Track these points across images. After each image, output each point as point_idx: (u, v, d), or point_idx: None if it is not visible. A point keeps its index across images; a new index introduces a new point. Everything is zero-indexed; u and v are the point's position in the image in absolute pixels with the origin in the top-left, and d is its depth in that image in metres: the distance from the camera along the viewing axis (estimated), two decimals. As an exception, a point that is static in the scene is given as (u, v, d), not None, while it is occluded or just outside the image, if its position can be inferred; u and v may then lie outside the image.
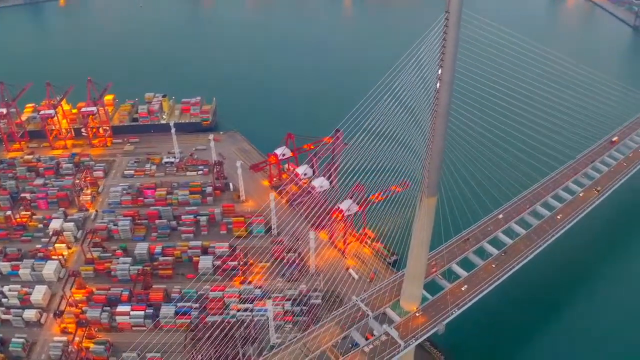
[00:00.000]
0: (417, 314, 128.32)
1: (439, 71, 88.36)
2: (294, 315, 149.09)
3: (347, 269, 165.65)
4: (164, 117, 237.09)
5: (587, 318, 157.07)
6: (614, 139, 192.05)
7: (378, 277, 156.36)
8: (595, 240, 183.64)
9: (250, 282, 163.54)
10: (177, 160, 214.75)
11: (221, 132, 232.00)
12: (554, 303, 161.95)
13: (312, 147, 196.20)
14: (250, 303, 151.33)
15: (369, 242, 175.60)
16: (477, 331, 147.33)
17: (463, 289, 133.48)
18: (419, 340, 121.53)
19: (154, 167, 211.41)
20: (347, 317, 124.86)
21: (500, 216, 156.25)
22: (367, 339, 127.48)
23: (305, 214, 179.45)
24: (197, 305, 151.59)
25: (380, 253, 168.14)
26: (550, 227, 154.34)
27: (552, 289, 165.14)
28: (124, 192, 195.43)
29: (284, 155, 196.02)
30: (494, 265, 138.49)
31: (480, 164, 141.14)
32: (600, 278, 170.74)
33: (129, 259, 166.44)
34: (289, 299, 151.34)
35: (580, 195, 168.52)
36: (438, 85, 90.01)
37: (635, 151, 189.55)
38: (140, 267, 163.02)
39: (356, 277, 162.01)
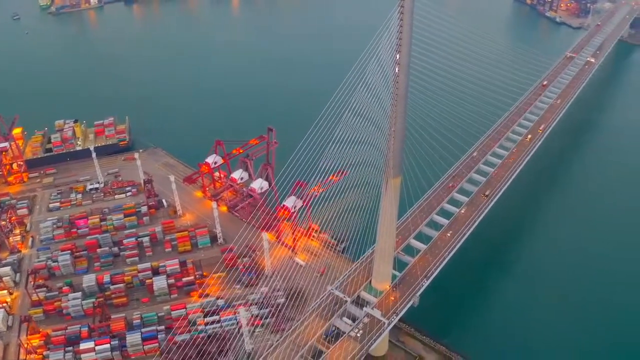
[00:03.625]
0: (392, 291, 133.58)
1: (397, 56, 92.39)
2: (262, 319, 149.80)
3: (292, 258, 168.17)
4: (79, 143, 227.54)
5: (534, 266, 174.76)
6: (544, 83, 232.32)
7: (330, 268, 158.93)
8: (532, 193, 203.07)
9: (208, 295, 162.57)
10: (102, 185, 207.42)
11: (141, 150, 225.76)
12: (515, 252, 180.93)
13: (241, 150, 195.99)
14: (215, 315, 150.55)
15: (315, 234, 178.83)
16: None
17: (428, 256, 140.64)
18: (400, 315, 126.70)
19: (79, 196, 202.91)
20: (325, 307, 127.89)
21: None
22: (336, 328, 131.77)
23: (250, 217, 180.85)
24: (162, 327, 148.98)
25: (328, 243, 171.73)
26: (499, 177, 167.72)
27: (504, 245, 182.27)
28: (55, 226, 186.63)
29: (215, 163, 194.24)
30: (448, 234, 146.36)
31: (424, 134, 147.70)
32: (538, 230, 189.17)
33: (78, 294, 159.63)
34: (254, 304, 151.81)
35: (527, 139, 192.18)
36: (397, 69, 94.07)
37: (563, 91, 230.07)
38: (93, 300, 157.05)
39: (303, 264, 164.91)
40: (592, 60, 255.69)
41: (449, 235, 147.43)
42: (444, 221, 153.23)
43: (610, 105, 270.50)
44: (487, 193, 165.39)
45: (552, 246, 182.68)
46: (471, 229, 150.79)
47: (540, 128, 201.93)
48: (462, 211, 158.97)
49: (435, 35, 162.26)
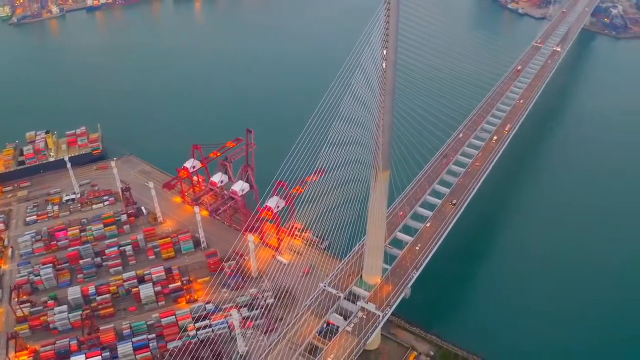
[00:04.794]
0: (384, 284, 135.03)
1: (384, 52, 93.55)
2: (253, 320, 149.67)
3: (274, 257, 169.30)
4: (52, 154, 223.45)
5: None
6: (518, 67, 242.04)
7: (314, 267, 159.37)
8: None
9: (196, 300, 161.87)
10: (79, 195, 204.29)
11: (115, 159, 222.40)
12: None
13: (218, 154, 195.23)
14: (206, 319, 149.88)
15: (298, 233, 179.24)
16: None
17: (417, 247, 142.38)
18: (393, 307, 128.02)
19: (56, 207, 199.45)
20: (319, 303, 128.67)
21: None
22: (328, 324, 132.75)
23: (231, 220, 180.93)
24: (153, 335, 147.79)
25: (312, 241, 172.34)
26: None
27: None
28: (34, 239, 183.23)
29: (194, 167, 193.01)
30: (428, 225, 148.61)
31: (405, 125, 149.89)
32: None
33: (64, 307, 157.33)
34: (244, 306, 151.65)
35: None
36: (384, 64, 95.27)
37: (537, 73, 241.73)
38: (80, 313, 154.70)
39: (286, 262, 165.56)
40: (558, 49, 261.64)
41: (428, 225, 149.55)
42: (428, 213, 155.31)
43: (575, 93, 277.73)
44: (454, 202, 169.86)
45: (534, 232, 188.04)
46: (454, 220, 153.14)
47: (506, 128, 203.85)
48: (444, 204, 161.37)
49: (405, 30, 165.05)
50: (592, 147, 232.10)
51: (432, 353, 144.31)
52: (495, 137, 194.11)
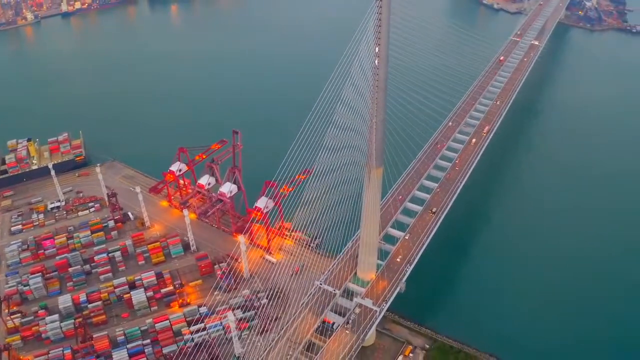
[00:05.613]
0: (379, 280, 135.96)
1: (376, 49, 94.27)
2: (248, 321, 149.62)
3: (262, 256, 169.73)
4: (34, 162, 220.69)
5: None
6: (501, 58, 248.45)
7: (304, 266, 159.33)
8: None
9: (189, 303, 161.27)
10: (64, 203, 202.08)
11: (98, 165, 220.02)
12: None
13: (204, 156, 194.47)
14: (200, 322, 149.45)
15: (288, 233, 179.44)
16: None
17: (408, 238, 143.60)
18: (390, 302, 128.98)
19: (41, 216, 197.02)
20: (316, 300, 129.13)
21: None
22: (324, 321, 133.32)
23: (220, 222, 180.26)
24: (147, 340, 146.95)
25: (302, 240, 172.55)
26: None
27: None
28: (21, 249, 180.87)
29: (180, 170, 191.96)
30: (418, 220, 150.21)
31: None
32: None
33: (55, 316, 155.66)
34: (238, 308, 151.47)
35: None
36: (377, 61, 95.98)
37: (520, 62, 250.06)
38: (72, 321, 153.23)
39: (274, 261, 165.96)
40: (536, 42, 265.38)
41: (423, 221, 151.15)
42: (417, 208, 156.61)
43: (551, 85, 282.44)
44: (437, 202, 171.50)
45: (523, 225, 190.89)
46: (444, 214, 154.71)
47: (485, 130, 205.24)
48: (434, 196, 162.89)
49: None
50: (569, 139, 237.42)
51: (427, 346, 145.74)
52: (474, 140, 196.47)
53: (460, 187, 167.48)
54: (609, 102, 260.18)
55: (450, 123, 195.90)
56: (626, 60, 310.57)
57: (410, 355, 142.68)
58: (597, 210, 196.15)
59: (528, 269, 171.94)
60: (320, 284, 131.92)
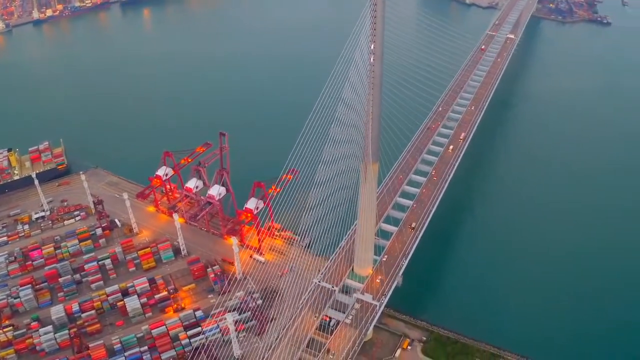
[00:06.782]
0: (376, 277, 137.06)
1: (372, 46, 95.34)
2: (244, 323, 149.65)
3: (251, 256, 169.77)
4: (16, 172, 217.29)
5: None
6: (482, 47, 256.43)
7: (296, 265, 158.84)
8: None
9: (184, 308, 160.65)
10: (49, 212, 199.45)
11: (81, 172, 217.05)
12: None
13: (189, 160, 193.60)
14: (197, 327, 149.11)
15: (277, 233, 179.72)
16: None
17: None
18: (388, 296, 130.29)
19: (26, 227, 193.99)
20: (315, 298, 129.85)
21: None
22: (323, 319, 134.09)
23: (210, 225, 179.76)
24: (145, 347, 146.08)
25: (292, 240, 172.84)
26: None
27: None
28: (8, 261, 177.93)
29: (167, 175, 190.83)
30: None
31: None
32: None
33: (49, 328, 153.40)
34: (234, 310, 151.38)
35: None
36: (372, 59, 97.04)
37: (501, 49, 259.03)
38: (66, 332, 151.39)
39: (263, 260, 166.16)
40: (512, 36, 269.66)
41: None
42: (408, 202, 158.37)
43: (524, 77, 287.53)
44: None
45: (515, 217, 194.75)
46: (435, 206, 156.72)
47: (461, 137, 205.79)
48: (424, 191, 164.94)
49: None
50: (544, 131, 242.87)
51: (424, 338, 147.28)
52: (450, 147, 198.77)
53: (446, 185, 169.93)
54: (581, 94, 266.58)
55: (439, 108, 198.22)
56: (597, 52, 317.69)
57: (409, 348, 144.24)
58: (573, 202, 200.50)
59: (516, 261, 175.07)
60: (319, 282, 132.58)
